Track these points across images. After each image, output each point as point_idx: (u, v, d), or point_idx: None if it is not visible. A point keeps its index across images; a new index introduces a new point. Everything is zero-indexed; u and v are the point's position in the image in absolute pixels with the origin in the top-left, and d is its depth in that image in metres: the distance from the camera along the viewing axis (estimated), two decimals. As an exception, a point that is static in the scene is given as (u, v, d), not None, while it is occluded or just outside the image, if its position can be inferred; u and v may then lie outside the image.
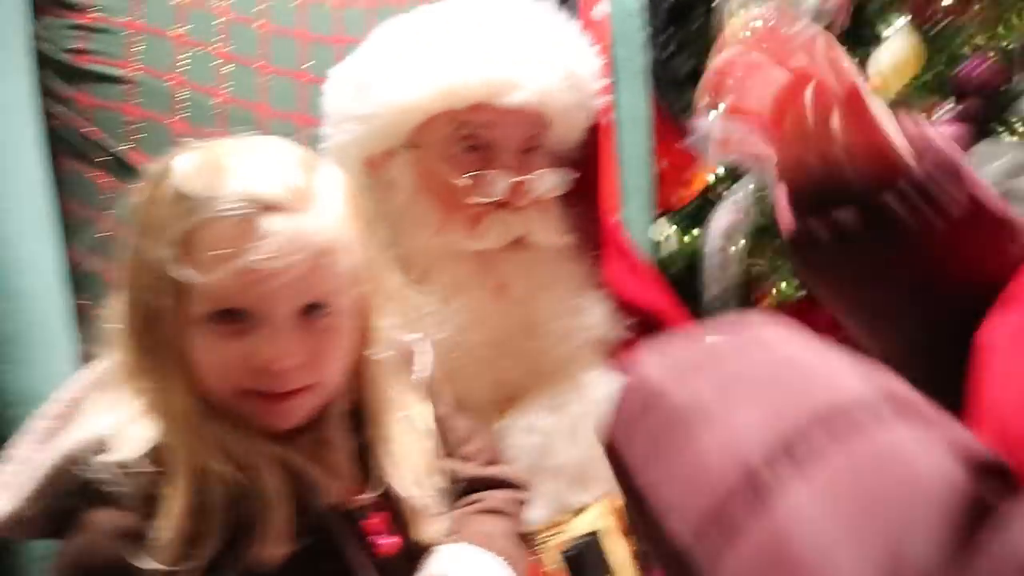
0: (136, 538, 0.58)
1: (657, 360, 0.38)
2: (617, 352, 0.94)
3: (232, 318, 0.61)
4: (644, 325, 1.00)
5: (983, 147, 1.25)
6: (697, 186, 1.59)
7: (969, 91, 1.31)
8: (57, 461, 0.61)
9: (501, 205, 0.88)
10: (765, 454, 0.30)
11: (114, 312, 0.65)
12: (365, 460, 0.69)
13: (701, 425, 0.33)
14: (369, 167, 0.92)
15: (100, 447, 0.60)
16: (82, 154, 1.03)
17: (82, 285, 1.00)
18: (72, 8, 1.04)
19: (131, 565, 0.57)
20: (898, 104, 1.35)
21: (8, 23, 0.98)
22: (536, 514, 0.83)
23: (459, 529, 0.72)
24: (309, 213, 0.64)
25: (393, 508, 0.69)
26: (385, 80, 0.88)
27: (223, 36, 1.11)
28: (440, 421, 0.76)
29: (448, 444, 0.76)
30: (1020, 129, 1.32)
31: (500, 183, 0.86)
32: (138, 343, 0.63)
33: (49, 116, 1.03)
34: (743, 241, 1.44)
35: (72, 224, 1.01)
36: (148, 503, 0.59)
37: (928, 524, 0.27)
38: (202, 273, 0.59)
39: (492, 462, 0.81)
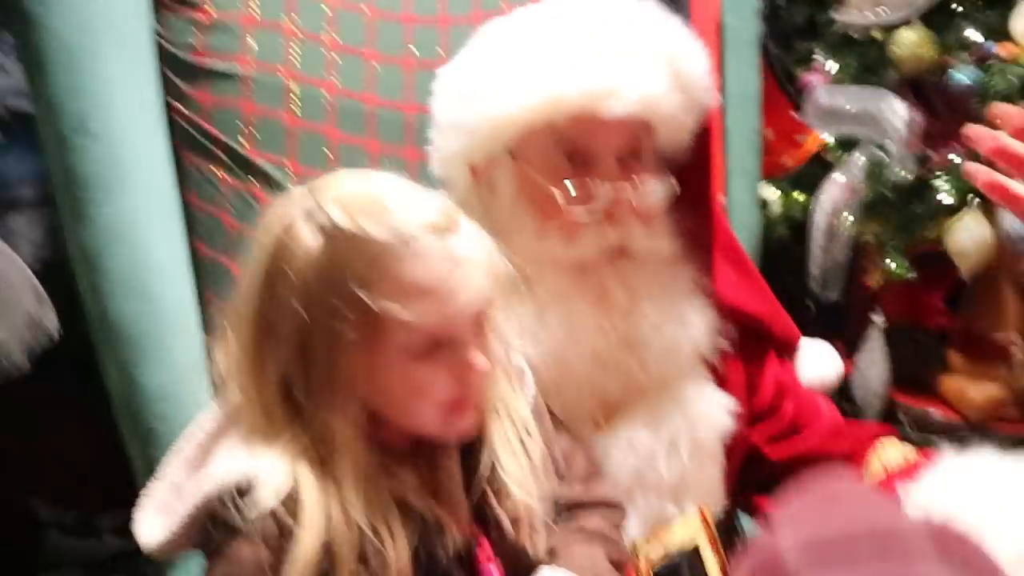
0: (273, 571, 0.64)
1: (792, 535, 0.40)
2: (720, 364, 0.95)
3: (434, 345, 0.67)
4: (748, 332, 1.00)
5: None
6: (807, 150, 1.56)
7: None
8: (205, 497, 0.67)
9: (602, 215, 0.87)
10: None
11: (247, 356, 0.70)
12: (469, 483, 0.74)
13: None
14: (475, 177, 0.94)
15: (244, 487, 0.66)
16: (203, 150, 1.08)
17: (206, 278, 1.07)
18: (189, 4, 1.07)
19: None
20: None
21: (134, 21, 1.02)
22: (634, 528, 0.86)
23: (560, 551, 0.76)
24: (463, 231, 0.69)
25: (496, 531, 0.74)
26: (485, 91, 0.88)
27: (331, 25, 1.14)
28: (545, 442, 0.80)
29: (553, 463, 0.80)
30: None
31: (598, 196, 0.86)
32: (292, 386, 0.68)
33: (170, 113, 1.08)
34: (851, 218, 1.41)
35: (194, 219, 1.08)
36: (283, 541, 0.65)
37: None
38: (414, 306, 0.64)
39: (591, 479, 0.85)
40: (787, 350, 1.09)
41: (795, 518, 0.43)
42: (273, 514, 0.66)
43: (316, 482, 0.66)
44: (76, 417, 1.32)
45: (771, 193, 1.62)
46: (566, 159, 0.87)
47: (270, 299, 0.68)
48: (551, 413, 0.84)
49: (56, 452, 1.34)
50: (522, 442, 0.77)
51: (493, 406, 0.76)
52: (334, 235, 0.66)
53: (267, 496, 0.66)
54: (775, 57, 1.66)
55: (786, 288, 1.39)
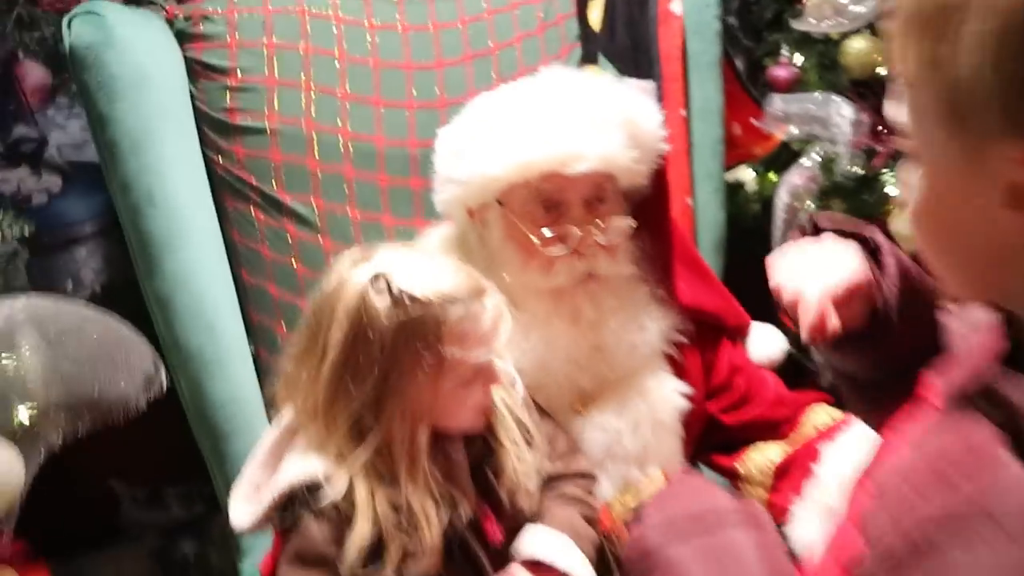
0: (337, 546, 0.88)
1: (653, 518, 0.62)
2: (678, 354, 1.16)
3: (474, 375, 0.91)
4: (705, 325, 1.21)
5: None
6: (775, 141, 1.73)
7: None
8: (281, 491, 0.90)
9: (572, 251, 1.07)
10: None
11: (327, 390, 0.90)
12: (476, 469, 0.97)
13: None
14: (470, 215, 1.13)
15: (312, 485, 0.89)
16: (241, 195, 1.29)
17: (250, 301, 1.29)
18: (220, 71, 1.27)
19: (333, 561, 0.88)
20: None
21: (181, 98, 1.23)
22: (606, 490, 1.09)
23: (544, 514, 0.99)
24: (487, 287, 0.93)
25: (496, 504, 0.97)
26: (474, 153, 1.07)
27: (342, 78, 1.32)
28: (532, 429, 1.01)
29: (538, 444, 1.02)
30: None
31: (569, 237, 1.05)
32: (366, 413, 0.89)
33: (210, 164, 1.29)
34: (810, 203, 1.58)
35: (237, 252, 1.29)
36: (342, 527, 0.88)
37: None
38: (473, 351, 0.89)
39: (570, 455, 1.07)
40: (739, 334, 1.29)
41: (656, 507, 0.65)
42: (335, 506, 0.89)
43: (369, 484, 0.89)
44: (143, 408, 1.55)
45: (747, 174, 1.80)
46: (542, 207, 1.07)
47: (352, 353, 0.88)
48: (537, 405, 1.06)
49: (129, 438, 1.56)
50: (516, 430, 0.99)
51: (496, 405, 0.99)
52: (402, 303, 0.87)
53: (330, 492, 0.89)
54: (744, 52, 1.82)
55: (757, 260, 1.58)
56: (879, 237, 0.82)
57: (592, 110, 1.06)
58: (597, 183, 1.07)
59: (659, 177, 1.17)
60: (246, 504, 0.95)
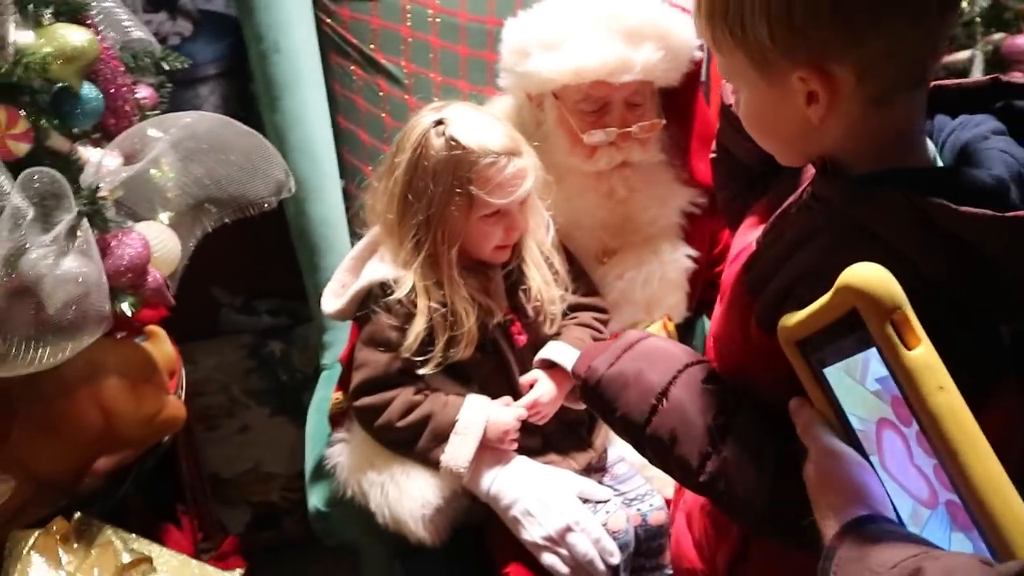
0: (400, 333, 1.18)
1: (599, 356, 0.88)
2: (691, 225, 1.41)
3: (497, 212, 1.17)
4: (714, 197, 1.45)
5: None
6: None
7: None
8: (361, 288, 1.21)
9: (610, 144, 1.29)
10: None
11: (397, 207, 1.18)
12: (511, 288, 1.25)
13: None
14: (530, 100, 1.35)
15: (384, 283, 1.19)
16: (343, 52, 1.56)
17: (344, 143, 1.58)
18: (334, -53, 1.51)
19: (396, 346, 1.19)
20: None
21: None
22: (616, 325, 1.38)
23: (562, 332, 1.29)
24: (525, 152, 1.18)
25: (524, 316, 1.26)
26: (536, 55, 1.25)
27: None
28: (559, 265, 1.29)
29: (562, 280, 1.30)
30: None
31: (608, 132, 1.27)
32: (421, 229, 1.16)
33: (320, 25, 1.55)
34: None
35: (336, 101, 1.57)
36: (406, 318, 1.18)
37: (665, 366, 0.81)
38: (494, 196, 1.14)
39: (588, 294, 1.35)
40: None
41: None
42: (400, 301, 1.19)
43: (426, 288, 1.18)
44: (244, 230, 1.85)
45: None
46: (589, 106, 1.28)
47: (415, 179, 1.16)
48: (567, 251, 1.34)
49: (230, 254, 1.87)
50: (545, 263, 1.27)
51: (529, 240, 1.26)
52: (452, 145, 1.14)
53: (399, 292, 1.18)
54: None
55: None
56: None
57: (637, 26, 1.24)
58: (636, 89, 1.28)
59: (690, 76, 1.36)
60: (334, 297, 1.27)
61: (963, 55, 1.59)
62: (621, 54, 1.22)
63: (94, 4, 1.13)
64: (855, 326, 0.60)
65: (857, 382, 0.63)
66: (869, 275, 0.59)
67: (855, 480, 0.63)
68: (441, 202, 1.15)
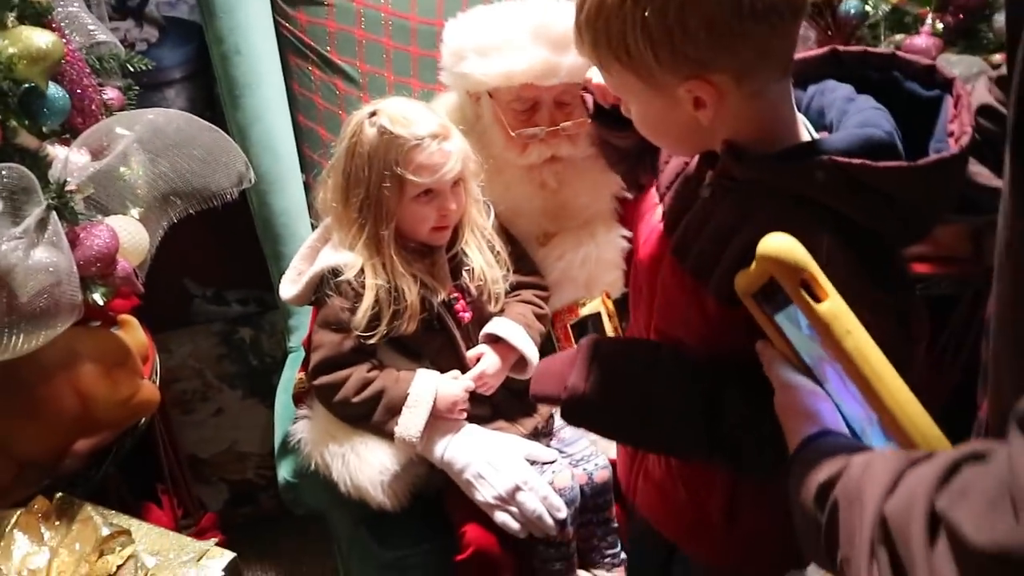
0: (351, 313, 1.20)
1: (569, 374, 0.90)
2: (623, 209, 1.44)
3: (428, 194, 1.19)
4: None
5: (943, 57, 1.58)
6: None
7: (954, 5, 1.60)
8: (316, 273, 1.22)
9: (540, 140, 1.31)
10: None
11: (340, 194, 1.20)
12: (454, 266, 1.27)
13: None
14: (469, 96, 1.36)
15: (337, 269, 1.20)
16: (301, 54, 1.56)
17: (303, 140, 1.58)
18: (290, -49, 1.51)
19: (348, 326, 1.20)
20: (897, 9, 1.65)
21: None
22: (557, 303, 1.40)
23: (505, 309, 1.31)
24: (453, 137, 1.20)
25: (468, 295, 1.28)
26: (471, 58, 1.27)
27: (386, -36, 1.57)
28: (502, 246, 1.31)
29: (504, 261, 1.31)
30: (985, 43, 1.63)
31: (538, 132, 1.29)
32: (361, 213, 1.19)
33: (279, 28, 1.55)
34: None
35: (295, 100, 1.57)
36: (356, 299, 1.20)
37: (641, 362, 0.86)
38: (419, 176, 1.16)
39: (530, 273, 1.37)
40: None
41: None
42: (349, 283, 1.20)
43: (372, 267, 1.19)
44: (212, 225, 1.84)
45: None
46: (520, 106, 1.30)
47: (352, 166, 1.19)
48: (508, 233, 1.36)
49: (200, 247, 1.87)
50: (487, 246, 1.29)
51: (469, 224, 1.28)
52: (383, 132, 1.16)
53: (348, 274, 1.19)
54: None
55: None
56: None
57: (563, 34, 1.23)
58: (565, 90, 1.29)
59: None
60: (291, 284, 1.28)
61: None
62: (547, 59, 1.24)
63: (58, 8, 1.12)
64: (776, 285, 0.68)
65: (797, 328, 0.71)
66: (779, 245, 0.66)
67: (808, 405, 0.70)
68: (376, 185, 1.17)
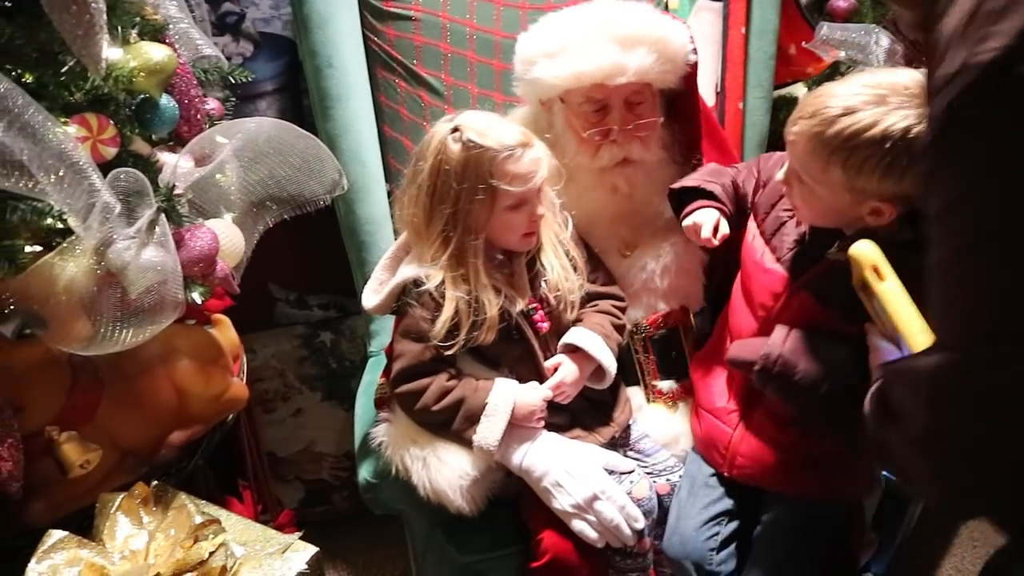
0: (431, 324, 1.21)
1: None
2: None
3: (519, 202, 1.20)
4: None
5: None
6: (825, 63, 1.92)
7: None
8: (397, 284, 1.24)
9: (613, 141, 1.32)
10: None
11: (422, 211, 1.21)
12: (532, 275, 1.28)
13: None
14: (541, 105, 1.39)
15: (417, 280, 1.22)
16: (388, 67, 1.61)
17: (388, 150, 1.63)
18: (378, -33, 1.56)
19: (429, 336, 1.22)
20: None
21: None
22: (638, 315, 1.40)
23: (582, 318, 1.31)
24: (536, 144, 1.21)
25: (547, 305, 1.28)
26: (542, 63, 1.30)
27: (472, -19, 1.60)
28: (578, 255, 1.32)
29: (581, 269, 1.32)
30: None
31: (610, 132, 1.31)
32: (447, 227, 1.20)
33: (367, 42, 1.60)
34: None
35: (382, 111, 1.62)
36: (436, 310, 1.21)
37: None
38: (513, 185, 1.18)
39: (607, 284, 1.37)
40: None
41: None
42: (430, 294, 1.21)
43: (453, 279, 1.20)
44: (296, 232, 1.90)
45: (800, 90, 2.01)
46: (592, 108, 1.31)
47: (437, 183, 1.19)
48: (587, 245, 1.36)
49: (285, 255, 1.93)
50: (564, 254, 1.30)
51: (548, 233, 1.29)
52: (470, 147, 1.17)
53: (429, 286, 1.21)
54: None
55: None
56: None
57: (629, 33, 1.27)
58: (635, 90, 1.31)
59: (690, 79, 1.39)
60: (373, 294, 1.31)
61: None
62: (615, 59, 1.26)
63: (172, 25, 1.19)
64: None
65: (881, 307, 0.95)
66: (857, 247, 0.96)
67: (885, 354, 0.99)
68: (467, 199, 1.18)
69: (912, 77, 0.99)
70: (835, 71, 1.86)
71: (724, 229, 1.26)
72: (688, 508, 1.27)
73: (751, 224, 1.30)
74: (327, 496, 2.15)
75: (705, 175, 1.34)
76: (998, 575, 0.76)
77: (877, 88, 0.97)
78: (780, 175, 1.15)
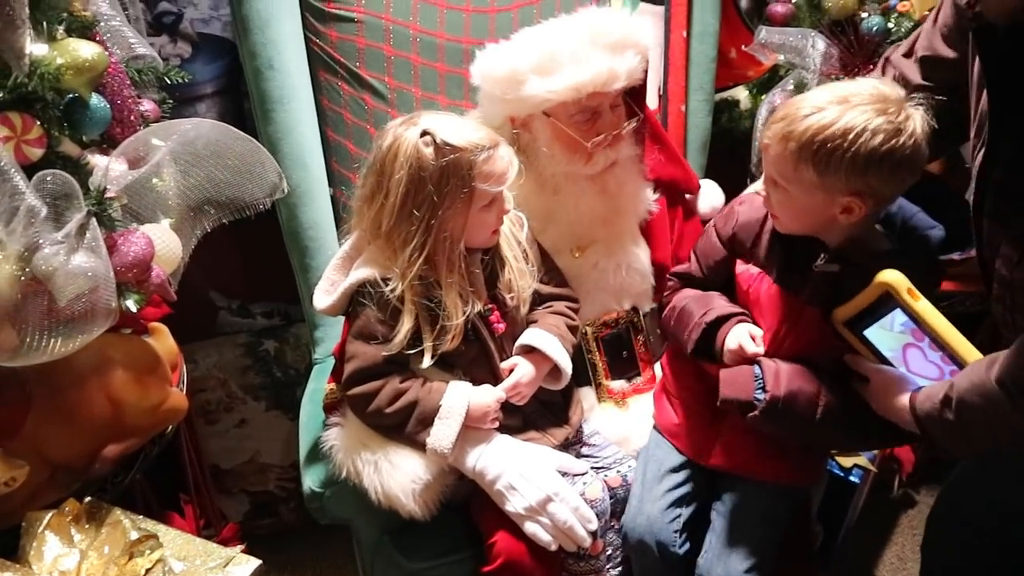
0: (387, 326, 1.18)
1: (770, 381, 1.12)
2: (650, 221, 1.45)
3: (491, 200, 1.18)
4: (671, 194, 1.48)
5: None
6: (765, 66, 1.95)
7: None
8: (352, 285, 1.21)
9: (608, 145, 1.32)
10: None
11: (394, 218, 1.16)
12: (489, 278, 1.26)
13: None
14: (512, 123, 1.36)
15: (372, 281, 1.19)
16: (331, 70, 1.57)
17: (332, 154, 1.59)
18: (320, -31, 1.53)
19: (382, 339, 1.19)
20: (919, 25, 1.64)
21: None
22: (590, 314, 1.40)
23: (537, 319, 1.31)
24: (502, 142, 1.19)
25: (503, 307, 1.27)
26: (530, 80, 1.27)
27: (416, -16, 1.59)
28: (532, 257, 1.31)
29: (536, 269, 1.31)
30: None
31: (605, 136, 1.31)
32: (421, 231, 1.15)
33: (309, 44, 1.56)
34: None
35: (325, 115, 1.58)
36: (394, 313, 1.18)
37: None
38: (490, 184, 1.15)
39: (560, 285, 1.37)
40: (692, 192, 1.55)
41: None
42: (387, 298, 1.18)
43: (413, 287, 1.17)
44: (238, 239, 1.85)
45: (742, 93, 2.03)
46: (584, 116, 1.31)
47: (413, 190, 1.14)
48: (539, 244, 1.35)
49: (227, 262, 1.88)
50: (520, 253, 1.29)
51: (505, 234, 1.28)
52: (449, 150, 1.13)
53: (386, 288, 1.18)
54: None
55: (743, 165, 1.82)
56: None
57: (619, 39, 1.28)
58: (619, 92, 1.32)
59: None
60: (325, 295, 1.27)
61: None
62: (609, 66, 1.26)
63: (102, 22, 1.14)
64: (884, 301, 1.08)
65: (888, 330, 1.10)
66: (895, 275, 1.07)
67: (901, 378, 1.11)
68: (448, 203, 1.15)
69: (874, 85, 1.06)
70: (775, 75, 1.90)
71: (755, 331, 1.23)
72: (654, 491, 1.28)
73: (747, 269, 1.28)
74: (273, 508, 2.09)
75: (705, 302, 1.29)
76: None
77: (843, 92, 1.05)
78: (758, 186, 1.17)
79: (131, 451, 1.30)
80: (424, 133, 1.15)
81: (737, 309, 1.26)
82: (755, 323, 1.25)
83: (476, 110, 1.42)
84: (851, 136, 1.01)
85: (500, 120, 1.35)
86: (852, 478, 1.84)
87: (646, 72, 1.39)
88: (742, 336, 1.20)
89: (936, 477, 2.16)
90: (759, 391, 1.15)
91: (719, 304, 1.27)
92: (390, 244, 1.19)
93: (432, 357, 1.19)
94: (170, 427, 1.41)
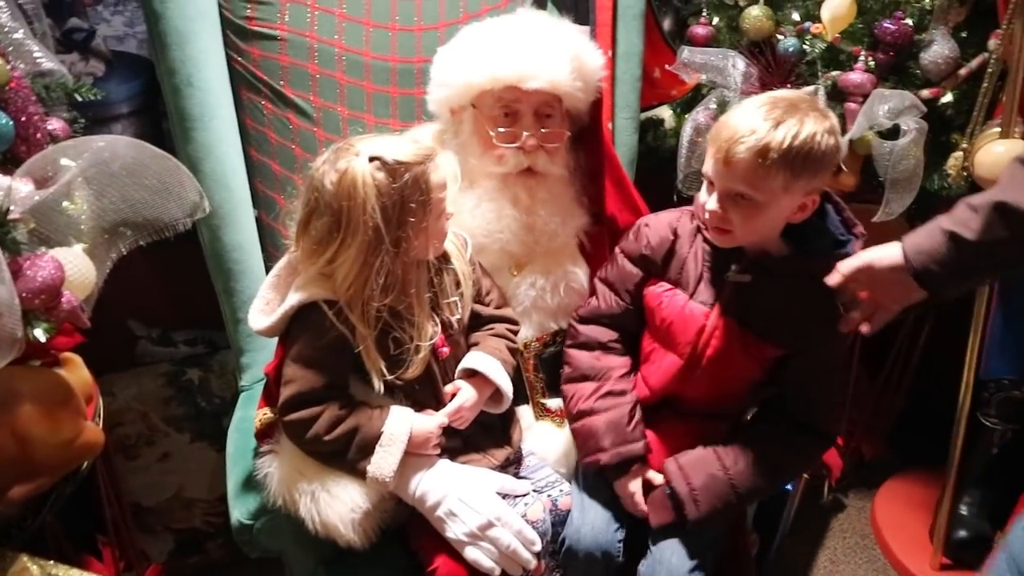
0: (328, 352, 1.13)
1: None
2: (591, 242, 1.43)
3: (441, 209, 1.15)
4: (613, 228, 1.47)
5: (877, 92, 1.64)
6: (688, 86, 1.99)
7: (884, 43, 1.67)
8: (291, 306, 1.14)
9: (520, 148, 1.31)
10: None
11: (362, 250, 1.10)
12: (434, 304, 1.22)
13: None
14: (451, 113, 1.38)
15: (315, 304, 1.13)
16: (254, 88, 1.52)
17: (255, 174, 1.53)
18: (243, -14, 1.48)
19: (324, 366, 1.14)
20: (833, 47, 1.71)
21: (212, 4, 1.44)
22: (528, 333, 1.37)
23: (479, 342, 1.27)
24: (439, 148, 1.16)
25: (449, 329, 1.23)
26: (460, 65, 1.31)
27: (341, 1, 1.55)
28: (475, 281, 1.28)
29: (477, 294, 1.29)
30: (914, 79, 1.69)
31: (517, 136, 1.30)
32: (390, 255, 1.10)
33: (231, 62, 1.51)
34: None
35: (248, 134, 1.52)
36: (339, 341, 1.13)
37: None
38: (442, 192, 1.13)
39: (500, 306, 1.34)
40: None
41: None
42: (332, 323, 1.13)
43: (367, 314, 1.12)
44: (158, 264, 1.77)
45: (666, 112, 2.06)
46: (502, 112, 1.31)
47: (373, 218, 1.07)
48: (480, 265, 1.32)
49: (145, 288, 1.80)
50: (462, 276, 1.25)
51: (454, 254, 1.24)
52: (403, 170, 1.09)
53: (328, 313, 1.13)
54: (673, 11, 2.07)
55: (669, 183, 1.84)
56: None
57: (548, 43, 1.29)
58: (546, 101, 1.31)
59: (596, 108, 1.41)
60: (262, 316, 1.20)
61: (809, 89, 1.70)
62: (531, 61, 1.27)
63: (4, 35, 1.07)
64: None
65: None
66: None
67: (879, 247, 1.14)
68: (415, 224, 1.11)
69: (798, 93, 1.21)
70: (697, 94, 1.94)
71: (652, 477, 1.30)
72: (595, 503, 1.29)
73: (657, 286, 1.32)
74: (200, 545, 1.98)
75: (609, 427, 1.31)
76: None
77: (787, 101, 1.15)
78: (712, 204, 1.18)
79: (41, 491, 1.20)
80: (372, 159, 1.09)
81: (637, 452, 1.29)
82: (664, 339, 1.31)
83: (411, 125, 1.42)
84: (817, 138, 1.11)
85: (443, 110, 1.38)
86: (785, 486, 1.87)
87: (597, 104, 1.39)
88: (636, 491, 1.28)
89: (864, 481, 2.22)
90: (678, 510, 1.24)
91: (616, 436, 1.29)
92: (358, 284, 1.13)
93: (386, 384, 1.15)
94: (85, 464, 1.32)
